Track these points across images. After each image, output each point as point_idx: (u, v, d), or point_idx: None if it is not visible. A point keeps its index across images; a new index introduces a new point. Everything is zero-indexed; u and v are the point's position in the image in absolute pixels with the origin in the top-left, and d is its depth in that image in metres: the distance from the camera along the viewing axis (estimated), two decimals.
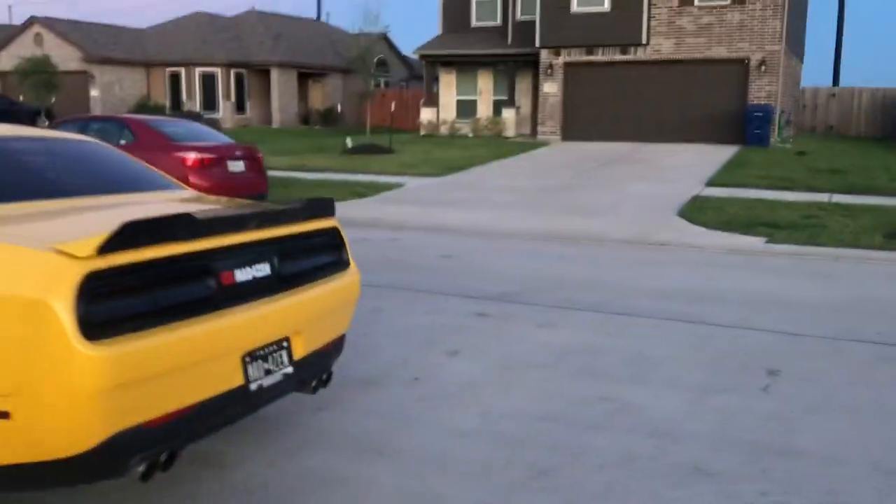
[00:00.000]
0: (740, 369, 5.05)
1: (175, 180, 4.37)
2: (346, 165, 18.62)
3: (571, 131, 24.82)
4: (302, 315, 3.46)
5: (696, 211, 11.92)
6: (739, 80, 22.47)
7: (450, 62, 27.86)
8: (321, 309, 3.63)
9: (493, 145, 23.25)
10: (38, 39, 34.44)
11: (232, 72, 35.88)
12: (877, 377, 4.94)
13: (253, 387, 3.14)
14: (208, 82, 35.60)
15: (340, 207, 12.95)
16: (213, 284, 2.97)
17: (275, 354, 3.30)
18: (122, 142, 11.00)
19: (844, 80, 34.89)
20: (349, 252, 4.01)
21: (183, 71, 35.69)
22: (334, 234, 3.88)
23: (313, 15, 49.98)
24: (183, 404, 2.82)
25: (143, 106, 34.43)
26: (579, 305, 6.64)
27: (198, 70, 35.44)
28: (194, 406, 2.87)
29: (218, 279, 2.99)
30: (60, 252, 2.51)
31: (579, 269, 8.33)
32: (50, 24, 34.64)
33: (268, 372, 3.25)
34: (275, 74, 36.37)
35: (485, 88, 27.83)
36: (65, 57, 33.29)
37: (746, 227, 10.54)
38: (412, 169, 17.79)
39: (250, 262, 3.19)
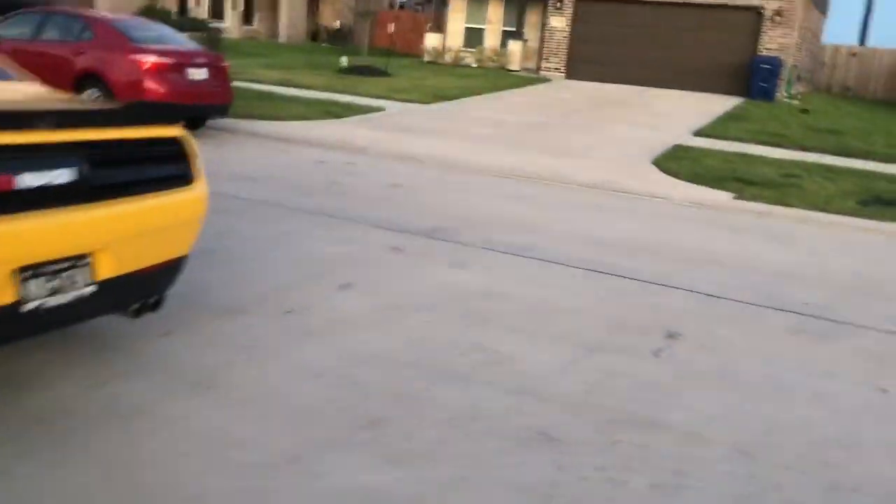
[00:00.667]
0: (640, 329, 4.70)
1: (18, 71, 3.96)
2: (334, 85, 18.03)
3: (576, 69, 24.02)
4: (111, 230, 3.11)
5: (672, 160, 11.40)
6: (752, 30, 21.56)
7: None
8: (142, 226, 3.27)
9: (493, 77, 22.53)
10: None
11: None
12: (782, 351, 4.59)
13: (29, 306, 2.82)
14: None
15: (310, 126, 12.67)
16: None
17: (68, 272, 2.97)
18: (85, 38, 10.53)
19: (873, 41, 33.59)
20: (197, 167, 3.64)
21: None
22: (176, 144, 3.50)
23: None
24: None
25: (150, 9, 33.52)
26: (505, 248, 6.27)
27: None
28: None
29: None
30: None
31: (526, 211, 7.93)
32: None
33: (55, 291, 2.91)
34: None
35: (494, 18, 26.87)
36: None
37: (718, 182, 10.06)
38: (400, 94, 17.20)
39: (42, 167, 2.82)
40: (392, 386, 3.68)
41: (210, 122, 11.66)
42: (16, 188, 2.73)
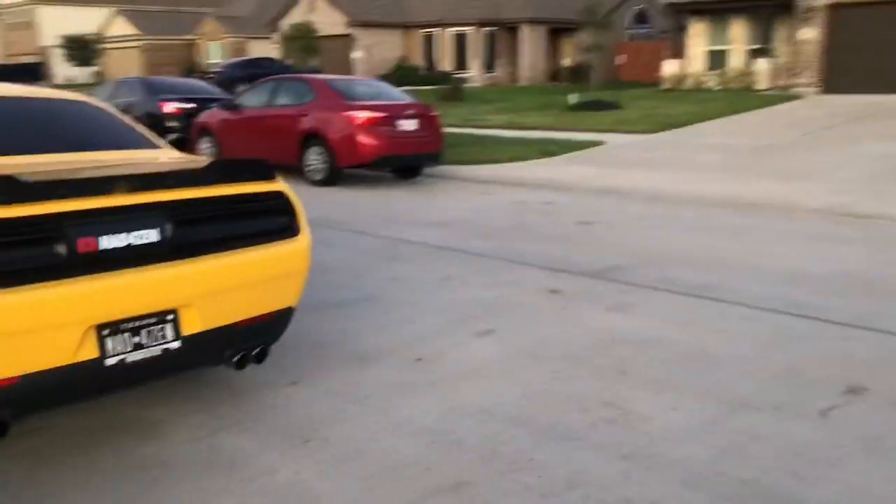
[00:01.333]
0: (814, 383, 3.98)
1: (155, 140, 4.29)
2: (559, 123, 17.95)
3: (833, 83, 21.79)
4: (196, 287, 3.22)
5: None
6: None
7: (699, 10, 25.66)
8: (232, 280, 3.35)
9: (734, 99, 21.11)
10: (311, 6, 37.28)
11: (482, 30, 36.26)
12: None
13: (111, 361, 2.98)
14: (459, 42, 36.33)
15: (521, 167, 12.64)
16: (57, 251, 2.81)
17: (152, 328, 3.11)
18: (307, 100, 11.47)
19: None
20: (299, 219, 3.69)
21: (436, 31, 36.72)
22: (274, 198, 3.58)
23: None
24: (3, 375, 2.73)
25: (399, 67, 36.06)
26: (681, 288, 5.69)
27: (449, 30, 36.27)
28: (21, 377, 2.77)
29: (68, 245, 2.83)
30: None
31: (727, 244, 7.19)
32: None
33: (138, 346, 3.06)
34: (524, 31, 36.12)
35: (737, 37, 25.30)
36: (332, 22, 35.75)
37: None
38: (626, 126, 16.68)
39: (124, 229, 3.00)
40: (491, 445, 3.42)
41: (426, 170, 12.08)
42: (98, 249, 2.92)
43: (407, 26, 37.56)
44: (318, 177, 11.10)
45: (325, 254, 6.86)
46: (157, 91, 14.43)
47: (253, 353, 3.58)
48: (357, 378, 4.16)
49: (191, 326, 3.23)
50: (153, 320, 3.11)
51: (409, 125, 11.19)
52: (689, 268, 6.27)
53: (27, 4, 53.24)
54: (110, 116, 4.31)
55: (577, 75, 35.70)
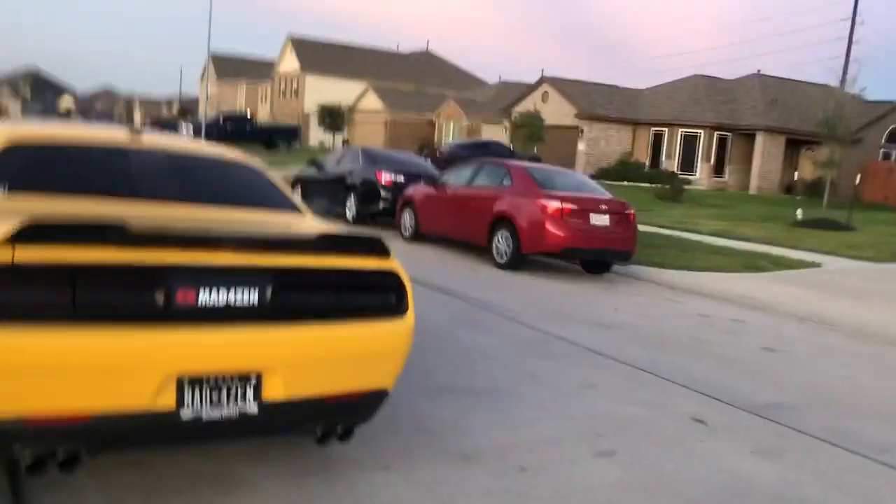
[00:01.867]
0: None
1: (299, 204, 4.44)
2: (776, 238, 16.76)
3: None
4: (283, 353, 3.24)
5: None
6: None
7: None
8: (322, 352, 3.35)
9: None
10: (544, 96, 38.28)
11: (715, 134, 35.19)
12: None
13: (186, 414, 3.04)
14: (689, 143, 35.47)
15: (719, 278, 11.88)
16: (155, 298, 2.94)
17: (232, 387, 3.15)
18: (503, 184, 11.62)
19: None
20: (406, 299, 3.63)
21: (666, 131, 36.16)
22: (384, 275, 3.55)
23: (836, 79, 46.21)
24: (74, 410, 2.86)
25: (624, 162, 35.81)
26: (849, 442, 4.93)
27: (680, 130, 35.57)
28: (94, 416, 2.89)
29: (167, 294, 2.96)
30: None
31: None
32: (555, 83, 38.27)
33: (217, 404, 3.11)
34: (760, 139, 34.57)
35: None
36: (561, 112, 36.41)
37: None
38: (850, 250, 15.22)
39: (224, 285, 3.09)
40: None
41: (618, 268, 11.72)
42: (195, 302, 3.02)
43: (636, 123, 37.34)
44: (502, 260, 11.11)
45: (474, 338, 6.76)
46: (375, 161, 15.32)
47: (338, 430, 3.52)
48: (451, 476, 3.96)
49: (273, 392, 3.24)
50: (235, 380, 3.15)
51: (601, 219, 10.95)
52: (872, 421, 5.44)
53: (298, 74, 59.49)
54: (263, 177, 4.54)
55: (814, 190, 33.40)
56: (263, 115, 64.31)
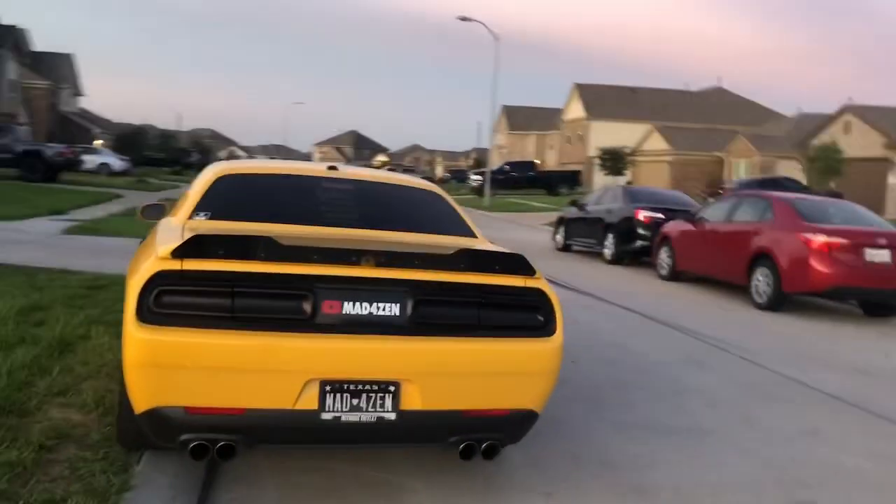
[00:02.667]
0: None
1: (475, 230, 4.53)
2: None
3: None
4: (423, 364, 3.36)
5: None
6: None
7: None
8: (466, 367, 3.42)
9: None
10: (847, 126, 34.86)
11: None
12: None
13: (326, 416, 3.27)
14: None
15: None
16: (302, 307, 3.24)
17: (371, 394, 3.33)
18: (764, 218, 10.80)
19: None
20: (556, 319, 3.58)
21: None
22: (530, 294, 3.55)
23: None
24: (230, 404, 3.21)
25: None
26: None
27: None
28: (246, 410, 3.22)
29: (314, 304, 3.24)
30: (155, 255, 3.26)
31: None
32: (859, 111, 34.72)
33: (355, 409, 3.30)
34: None
35: None
36: (866, 143, 32.87)
37: None
38: None
39: (367, 299, 3.31)
40: None
41: None
42: (340, 313, 3.27)
43: None
44: (761, 300, 10.25)
45: (692, 376, 6.35)
46: (636, 199, 15.04)
47: (481, 446, 3.54)
48: None
49: (410, 402, 3.36)
50: (374, 387, 3.33)
51: (879, 255, 9.73)
52: None
53: (584, 120, 60.34)
54: (443, 204, 4.74)
55: None
56: (551, 162, 65.88)
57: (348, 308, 3.30)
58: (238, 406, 3.23)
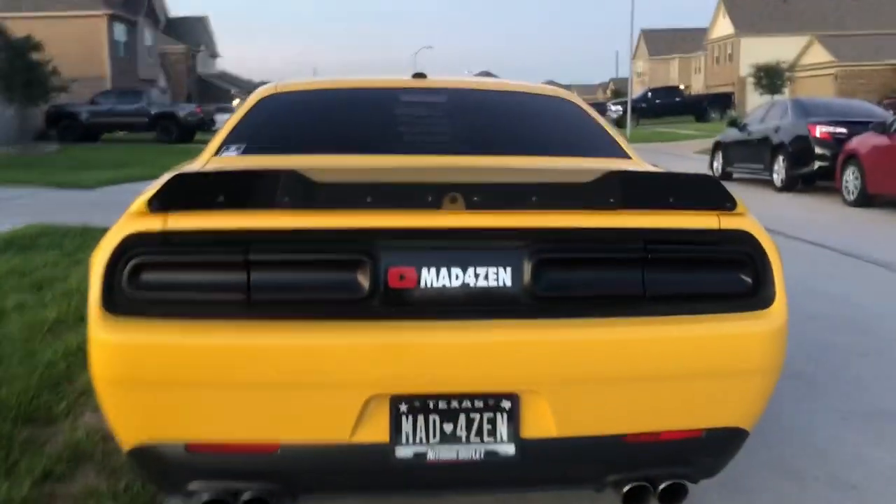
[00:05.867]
0: None
1: (628, 150, 3.10)
2: None
3: None
4: (558, 365, 2.04)
5: None
6: None
7: None
8: (624, 365, 2.07)
9: None
10: None
11: None
12: None
13: (403, 452, 2.04)
14: None
15: None
16: (356, 281, 2.00)
17: (473, 416, 2.06)
18: None
19: None
20: (772, 280, 2.16)
21: None
22: (730, 240, 2.14)
23: None
24: (254, 438, 2.04)
25: None
26: None
27: None
28: (281, 447, 2.04)
29: (374, 275, 2.00)
30: (127, 210, 2.09)
31: None
32: None
33: (450, 439, 2.05)
34: None
35: None
36: None
37: None
38: None
39: (459, 262, 2.04)
40: None
41: None
42: (416, 287, 2.02)
43: None
44: None
45: None
46: (809, 113, 12.81)
47: (658, 488, 2.19)
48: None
49: (538, 426, 2.07)
50: (479, 404, 2.06)
51: None
52: None
53: (732, 38, 55.55)
54: (583, 116, 3.32)
55: None
56: (698, 86, 61.57)
57: (429, 279, 2.02)
58: (266, 440, 2.05)
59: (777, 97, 39.54)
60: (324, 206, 2.01)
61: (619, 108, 41.56)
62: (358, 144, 2.93)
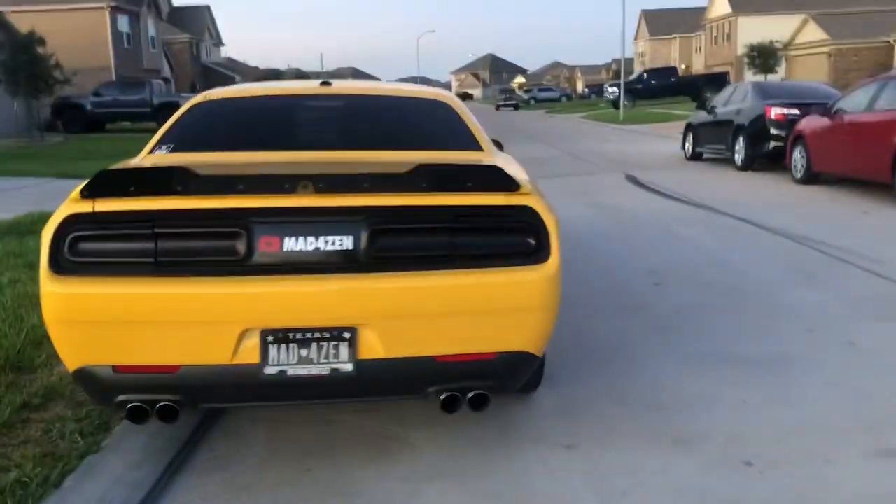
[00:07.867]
0: None
1: (484, 143, 3.85)
2: None
3: None
4: (383, 305, 2.81)
5: None
6: None
7: None
8: (433, 305, 2.83)
9: None
10: None
11: None
12: None
13: (270, 370, 2.82)
14: None
15: None
16: (233, 247, 2.77)
17: (323, 343, 2.83)
18: None
19: None
20: (551, 241, 2.91)
21: None
22: (515, 213, 2.89)
23: None
24: (162, 361, 2.82)
25: None
26: None
27: None
28: (181, 368, 2.82)
29: (249, 243, 2.77)
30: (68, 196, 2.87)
31: None
32: None
33: (305, 361, 2.83)
34: None
35: None
36: None
37: None
38: None
39: (312, 232, 2.80)
40: None
41: None
42: (280, 250, 2.78)
43: None
44: None
45: (795, 294, 5.43)
46: (767, 95, 13.44)
47: (466, 396, 2.97)
48: (646, 464, 3.13)
49: (370, 350, 2.84)
50: (326, 335, 2.83)
51: None
52: None
53: (729, 17, 55.79)
54: (452, 116, 4.06)
55: None
56: (699, 66, 61.79)
57: (290, 244, 2.79)
58: (171, 363, 2.83)
59: (769, 77, 39.98)
60: (209, 192, 2.78)
61: (616, 89, 42.03)
62: (264, 143, 3.70)
